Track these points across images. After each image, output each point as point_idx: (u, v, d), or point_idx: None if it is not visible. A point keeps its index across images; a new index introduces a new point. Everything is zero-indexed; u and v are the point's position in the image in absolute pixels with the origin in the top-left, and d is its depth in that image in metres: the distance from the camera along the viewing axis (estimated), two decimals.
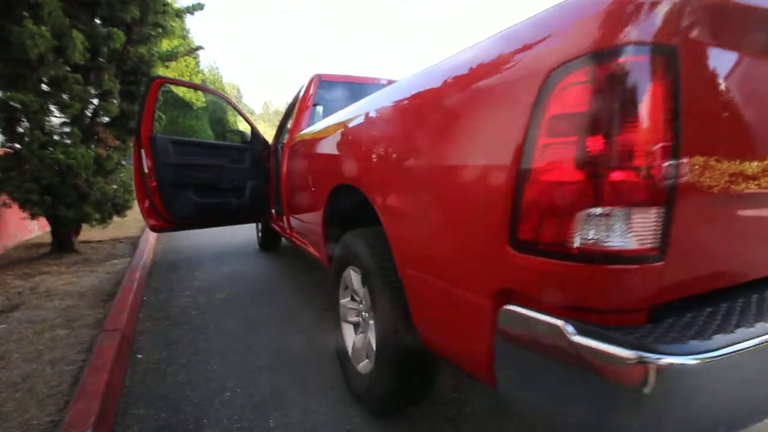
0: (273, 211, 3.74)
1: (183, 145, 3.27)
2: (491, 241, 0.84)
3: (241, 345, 2.14)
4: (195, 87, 3.36)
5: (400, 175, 1.20)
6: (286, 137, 4.14)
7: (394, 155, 1.25)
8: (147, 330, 2.36)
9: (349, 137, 1.72)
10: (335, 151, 1.81)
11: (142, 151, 3.03)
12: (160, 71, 3.86)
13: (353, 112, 1.74)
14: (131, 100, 3.66)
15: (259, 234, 4.52)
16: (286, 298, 2.87)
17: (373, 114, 1.52)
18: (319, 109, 2.85)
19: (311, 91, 2.84)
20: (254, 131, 3.79)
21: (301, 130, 2.75)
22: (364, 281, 1.53)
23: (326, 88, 2.89)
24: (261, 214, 3.79)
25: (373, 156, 1.39)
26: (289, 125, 3.03)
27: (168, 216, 3.15)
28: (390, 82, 3.11)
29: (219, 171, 3.47)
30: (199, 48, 5.42)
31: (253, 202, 3.68)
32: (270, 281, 3.32)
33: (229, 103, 3.65)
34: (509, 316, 0.82)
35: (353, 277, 1.65)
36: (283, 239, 4.22)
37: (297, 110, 2.86)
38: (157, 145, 3.05)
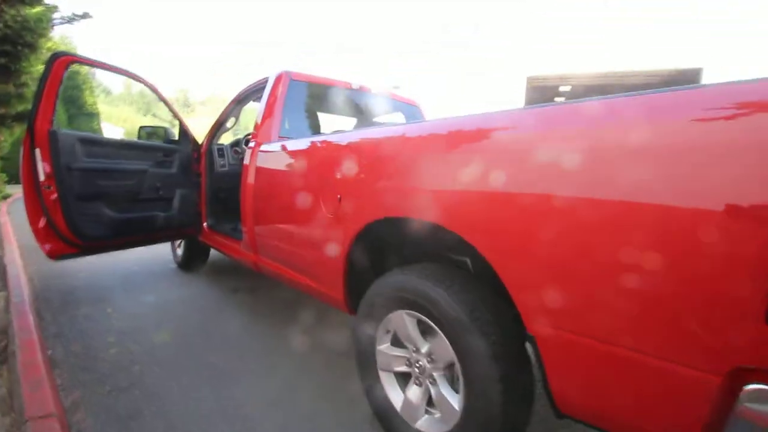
0: (205, 225, 3.14)
1: (96, 145, 2.49)
2: (739, 314, 0.76)
3: (229, 408, 1.70)
4: (113, 69, 2.60)
5: (565, 217, 0.97)
6: (238, 139, 3.56)
7: (569, 184, 0.97)
8: (82, 404, 1.70)
9: (432, 159, 1.36)
10: (388, 176, 1.50)
11: (37, 151, 2.21)
12: None
13: (442, 126, 1.38)
14: (4, 78, 2.65)
15: (178, 251, 3.76)
16: (249, 333, 2.42)
17: (503, 134, 1.18)
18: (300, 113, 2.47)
19: (280, 90, 2.43)
20: (183, 128, 3.12)
21: (274, 135, 2.34)
22: (426, 328, 1.34)
23: (296, 89, 2.50)
24: (193, 230, 3.15)
25: (493, 187, 1.11)
26: (251, 127, 2.55)
27: (74, 238, 2.37)
28: (363, 88, 2.86)
29: (141, 178, 2.76)
30: (85, 15, 4.23)
31: (183, 215, 3.03)
32: (216, 311, 2.77)
33: (150, 88, 2.91)
34: (756, 395, 0.75)
35: (407, 322, 1.42)
36: (214, 256, 3.62)
37: (264, 111, 2.42)
38: (61, 143, 2.26)
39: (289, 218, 2.03)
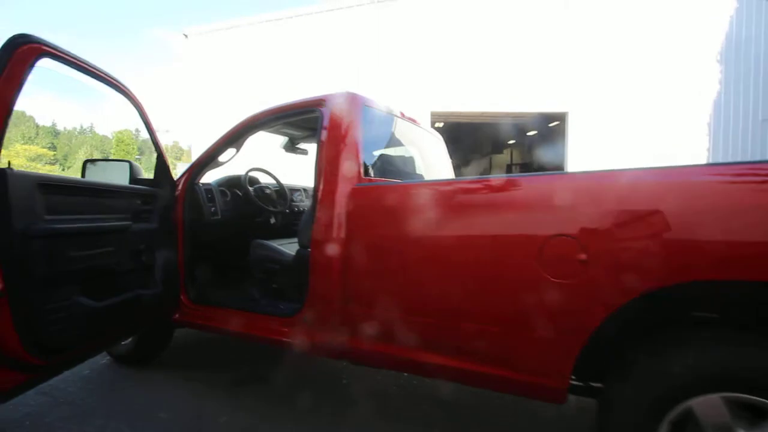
0: (183, 297, 2.22)
1: (60, 192, 1.50)
2: None
3: None
4: (97, 73, 1.62)
5: None
6: (234, 177, 2.64)
7: None
8: None
9: None
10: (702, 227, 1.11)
11: None
12: None
13: None
14: None
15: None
16: None
17: None
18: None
19: (352, 118, 1.86)
20: (162, 162, 2.16)
21: (352, 176, 1.76)
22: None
23: (368, 120, 1.95)
24: (174, 309, 2.18)
25: None
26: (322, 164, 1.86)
27: (31, 356, 1.32)
28: (412, 119, 2.42)
29: (121, 239, 1.78)
30: None
31: (168, 289, 2.08)
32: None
33: (135, 104, 1.91)
34: None
35: (722, 408, 1.08)
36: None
37: (334, 145, 1.80)
38: (12, 193, 1.26)
39: (451, 285, 1.44)
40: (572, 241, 1.21)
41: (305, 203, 3.01)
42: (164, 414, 1.94)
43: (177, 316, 2.24)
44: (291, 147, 2.90)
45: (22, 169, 1.37)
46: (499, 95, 9.86)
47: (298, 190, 3.02)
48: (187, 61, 10.53)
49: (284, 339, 1.91)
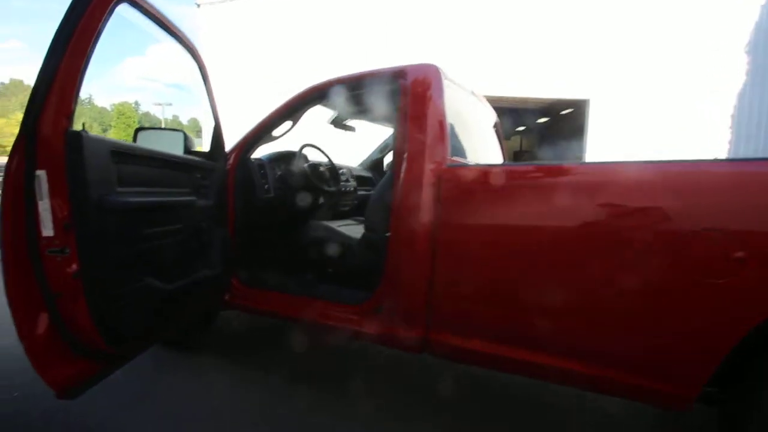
0: (235, 280, 2.09)
1: (133, 161, 1.35)
2: None
3: None
4: (169, 27, 1.45)
5: None
6: (286, 152, 2.44)
7: None
8: None
9: None
10: None
11: (41, 175, 1.04)
12: None
13: None
14: None
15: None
16: None
17: None
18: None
19: (437, 92, 1.69)
20: (218, 134, 2.00)
21: (442, 156, 1.61)
22: None
23: (448, 95, 1.78)
24: (225, 290, 2.05)
25: None
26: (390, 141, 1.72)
27: (106, 344, 1.22)
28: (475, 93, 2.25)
29: (188, 216, 1.65)
30: None
31: (225, 270, 1.94)
32: None
33: (200, 67, 1.73)
34: None
35: None
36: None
37: (423, 119, 1.64)
38: (89, 159, 1.12)
39: (574, 282, 1.29)
40: (727, 236, 1.08)
41: (351, 183, 2.86)
42: (216, 402, 1.83)
43: (227, 297, 2.12)
44: (339, 123, 2.74)
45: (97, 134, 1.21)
46: (512, 79, 9.56)
47: (343, 169, 2.87)
48: (198, 32, 10.17)
49: (351, 327, 1.79)
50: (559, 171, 1.45)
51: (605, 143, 9.59)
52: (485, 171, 1.54)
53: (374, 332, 1.72)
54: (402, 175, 1.61)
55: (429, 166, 1.56)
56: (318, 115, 2.70)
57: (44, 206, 1.06)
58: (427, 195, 1.54)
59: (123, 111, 48.22)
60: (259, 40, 9.85)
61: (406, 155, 1.62)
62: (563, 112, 11.51)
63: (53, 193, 1.06)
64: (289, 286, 2.09)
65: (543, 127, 14.81)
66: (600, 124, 9.75)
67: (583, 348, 1.31)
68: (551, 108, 11.20)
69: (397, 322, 1.65)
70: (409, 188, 1.58)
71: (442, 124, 1.63)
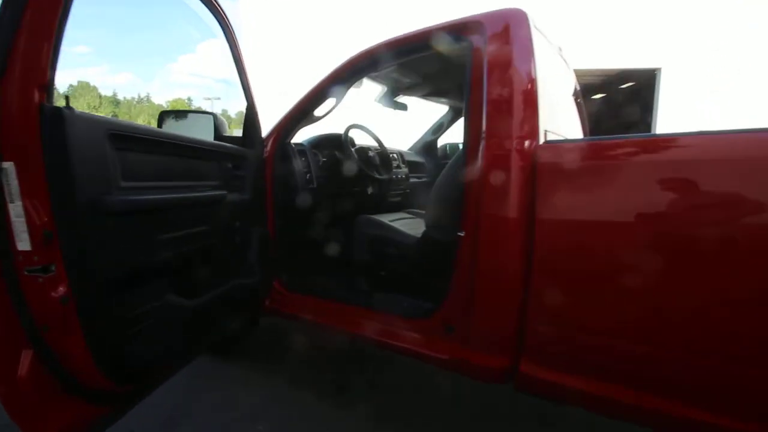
0: (277, 283, 1.82)
1: (142, 147, 1.05)
2: None
3: None
4: None
5: None
6: (332, 135, 2.13)
7: None
8: None
9: None
10: None
11: (8, 167, 0.79)
12: None
13: None
14: None
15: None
16: None
17: None
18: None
19: (527, 49, 1.28)
20: (252, 117, 1.72)
21: (537, 132, 1.21)
22: None
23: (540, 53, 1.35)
24: (265, 297, 1.80)
25: None
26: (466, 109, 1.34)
27: (111, 383, 0.98)
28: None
29: (216, 213, 1.38)
30: None
31: (263, 276, 1.68)
32: None
33: (230, 42, 1.45)
34: None
35: None
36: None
37: (509, 85, 1.24)
38: (76, 144, 0.87)
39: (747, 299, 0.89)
40: None
41: (403, 170, 2.50)
42: (262, 426, 1.58)
43: (267, 303, 1.86)
44: (389, 100, 2.37)
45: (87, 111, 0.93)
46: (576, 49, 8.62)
47: (393, 153, 2.51)
48: (237, 22, 10.10)
49: (413, 348, 1.46)
50: (716, 142, 1.00)
51: (678, 114, 8.48)
52: (601, 145, 1.12)
53: (443, 356, 1.38)
54: (480, 158, 1.23)
55: (518, 145, 1.17)
56: (357, 95, 2.35)
57: (16, 210, 0.79)
58: (515, 183, 1.16)
59: (176, 107, 50.75)
60: (298, 27, 9.62)
61: (484, 132, 1.23)
62: (622, 86, 10.33)
63: (27, 193, 0.79)
64: (336, 292, 1.80)
65: (598, 102, 13.55)
66: (673, 94, 8.64)
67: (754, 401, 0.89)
68: (609, 82, 10.10)
69: (474, 346, 1.29)
70: (491, 175, 1.20)
71: (532, 88, 1.22)
